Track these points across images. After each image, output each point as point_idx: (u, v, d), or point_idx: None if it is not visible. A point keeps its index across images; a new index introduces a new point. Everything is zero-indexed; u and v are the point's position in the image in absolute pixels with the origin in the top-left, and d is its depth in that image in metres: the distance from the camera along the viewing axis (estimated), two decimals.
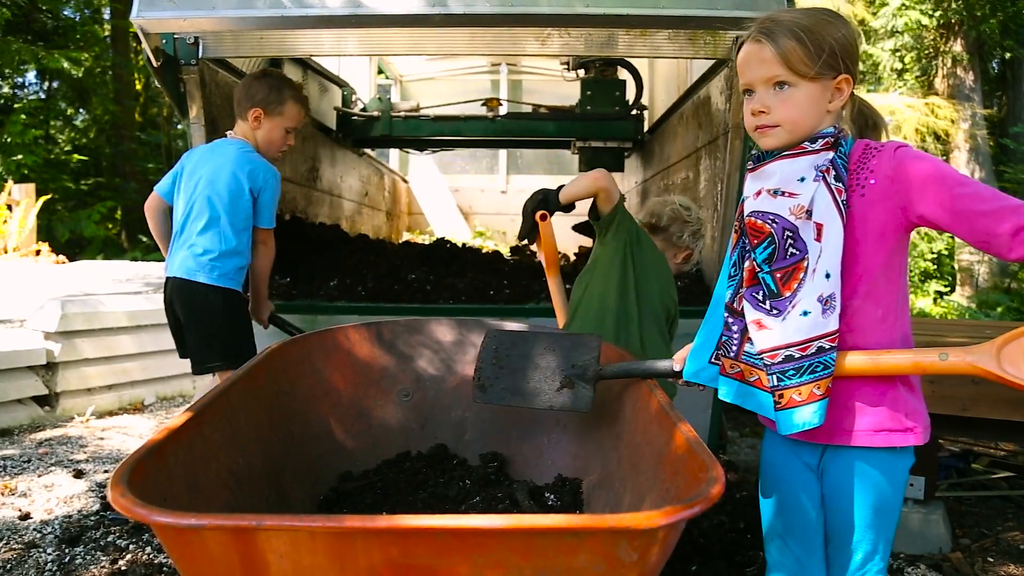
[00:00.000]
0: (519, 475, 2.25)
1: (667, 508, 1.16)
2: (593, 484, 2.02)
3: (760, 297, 1.65)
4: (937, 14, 12.84)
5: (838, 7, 13.95)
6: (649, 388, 1.84)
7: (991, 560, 2.99)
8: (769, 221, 1.63)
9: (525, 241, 2.67)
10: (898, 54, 13.99)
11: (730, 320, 1.72)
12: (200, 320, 2.87)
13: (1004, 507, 3.57)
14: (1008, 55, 14.47)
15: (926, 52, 13.81)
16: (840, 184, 1.59)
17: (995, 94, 16.92)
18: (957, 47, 13.42)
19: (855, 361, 1.59)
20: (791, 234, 1.60)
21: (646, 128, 5.42)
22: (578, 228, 6.47)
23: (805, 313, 1.59)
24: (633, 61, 5.22)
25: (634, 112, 5.29)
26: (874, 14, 13.89)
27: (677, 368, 1.86)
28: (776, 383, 1.62)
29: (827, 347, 1.59)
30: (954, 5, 12.78)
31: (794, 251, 1.60)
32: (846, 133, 1.64)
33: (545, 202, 2.57)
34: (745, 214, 1.70)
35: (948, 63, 13.53)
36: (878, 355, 1.60)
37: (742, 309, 1.68)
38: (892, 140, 1.67)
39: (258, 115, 2.94)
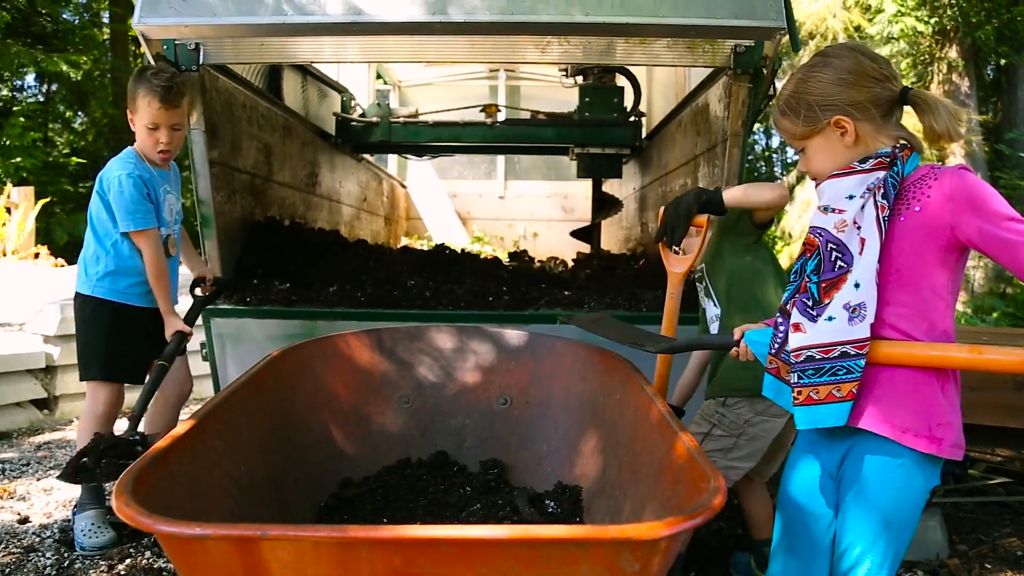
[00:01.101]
0: (519, 482, 2.26)
1: (669, 519, 1.17)
2: (593, 491, 2.03)
3: (808, 303, 1.72)
4: (932, 21, 12.88)
5: (834, 14, 14.01)
6: (650, 397, 1.85)
7: (988, 566, 3.00)
8: (817, 235, 1.74)
9: (672, 246, 2.38)
10: (894, 60, 14.01)
11: (779, 320, 1.79)
12: (76, 329, 2.96)
13: (1001, 513, 3.58)
14: (1003, 61, 14.50)
15: (921, 59, 13.84)
16: (885, 202, 1.65)
17: (990, 100, 16.96)
18: (952, 53, 13.46)
19: (888, 349, 1.64)
20: (835, 247, 1.70)
21: (644, 135, 5.44)
22: (576, 234, 6.48)
23: (830, 319, 1.67)
24: (631, 68, 5.24)
25: (632, 119, 5.30)
26: (870, 20, 13.93)
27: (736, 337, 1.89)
28: (796, 380, 1.69)
29: (852, 353, 1.64)
30: (949, 12, 12.82)
31: (841, 264, 1.68)
32: (906, 154, 1.69)
33: (709, 204, 2.28)
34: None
35: (943, 69, 13.56)
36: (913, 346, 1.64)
37: (791, 312, 1.76)
38: (959, 163, 1.72)
39: (131, 118, 2.89)
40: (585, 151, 5.44)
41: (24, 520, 3.16)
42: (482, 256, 4.75)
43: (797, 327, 1.71)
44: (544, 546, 1.15)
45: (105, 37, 18.07)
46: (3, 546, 2.91)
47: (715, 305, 2.45)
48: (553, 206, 8.75)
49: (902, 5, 12.98)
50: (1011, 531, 3.34)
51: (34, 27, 15.45)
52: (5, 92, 16.73)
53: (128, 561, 2.78)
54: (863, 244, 1.66)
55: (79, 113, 18.24)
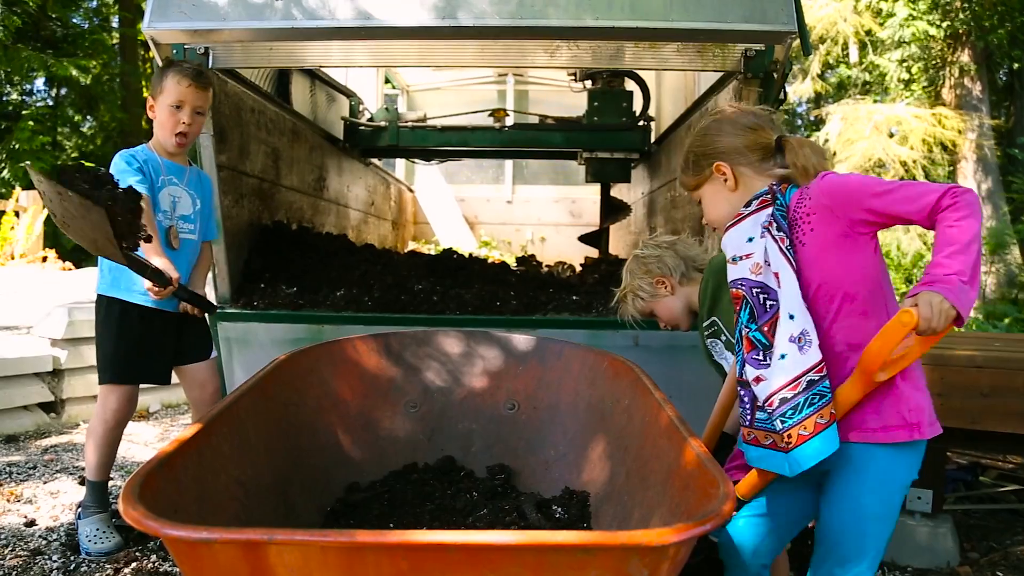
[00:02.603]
0: (526, 487, 2.25)
1: (679, 525, 1.16)
2: (601, 497, 2.02)
3: (759, 356, 1.79)
4: (944, 24, 12.84)
5: (845, 18, 13.99)
6: (659, 402, 1.84)
7: (1000, 574, 2.97)
8: (739, 286, 1.84)
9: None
10: (905, 64, 13.98)
11: (741, 392, 1.85)
12: (95, 331, 2.97)
13: (1013, 521, 3.55)
14: (1016, 65, 14.46)
15: (933, 63, 13.80)
16: (782, 233, 1.79)
17: (1003, 104, 16.91)
18: (964, 57, 13.41)
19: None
20: (759, 290, 1.80)
21: (653, 139, 5.42)
22: (584, 239, 6.46)
23: (783, 356, 1.75)
24: (640, 72, 5.23)
25: (641, 123, 5.29)
26: (881, 24, 13.90)
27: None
28: (781, 426, 1.73)
29: (816, 378, 1.72)
30: (962, 16, 12.78)
31: (771, 302, 1.78)
32: (784, 187, 1.85)
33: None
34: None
35: (955, 73, 13.52)
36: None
37: (746, 376, 1.82)
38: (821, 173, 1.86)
39: (151, 105, 2.90)
40: (594, 155, 5.42)
41: (31, 523, 3.16)
42: (490, 261, 4.74)
43: (758, 380, 1.77)
44: (552, 552, 1.14)
45: (114, 41, 18.18)
46: (10, 549, 2.91)
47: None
48: (561, 210, 8.74)
49: (914, 9, 12.94)
50: (1023, 539, 3.32)
51: (44, 31, 15.54)
52: (15, 96, 16.82)
53: (134, 565, 2.78)
54: (778, 278, 1.78)
55: (88, 117, 18.34)
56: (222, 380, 3.37)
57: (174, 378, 3.09)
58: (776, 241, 1.77)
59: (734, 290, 1.85)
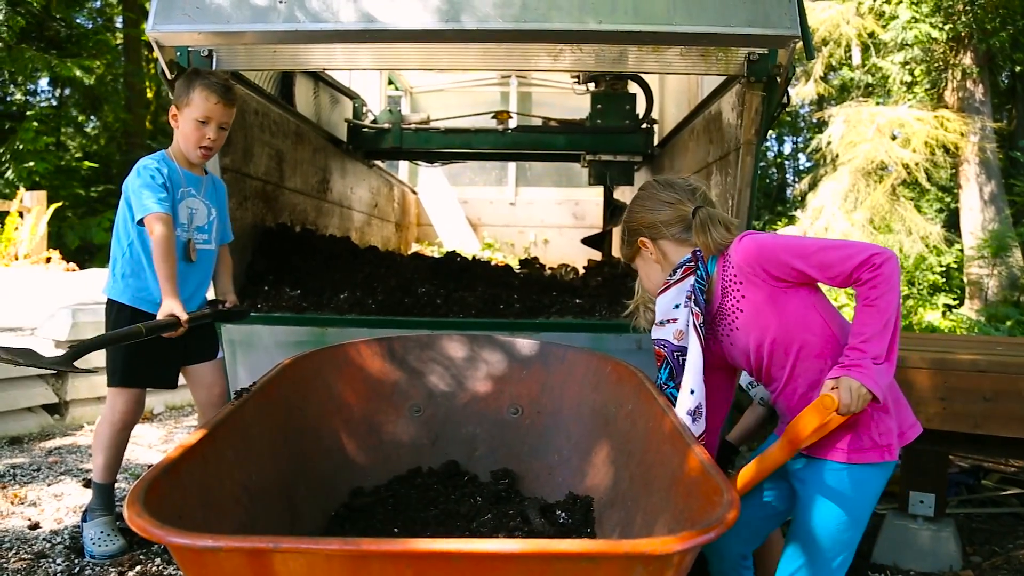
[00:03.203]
0: (530, 492, 2.25)
1: (683, 533, 1.16)
2: (604, 503, 2.02)
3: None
4: (947, 27, 12.82)
5: (847, 20, 13.97)
6: (662, 408, 1.84)
7: None
8: (661, 346, 2.00)
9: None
10: (908, 67, 13.96)
11: None
12: None
13: (1015, 524, 3.55)
14: (1018, 68, 14.46)
15: (936, 65, 13.77)
16: (698, 308, 1.90)
17: (1005, 107, 16.90)
18: (967, 60, 13.39)
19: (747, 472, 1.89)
20: (679, 353, 1.95)
21: (656, 142, 5.42)
22: (587, 241, 6.46)
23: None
24: (644, 75, 5.23)
25: (644, 126, 5.29)
26: (884, 27, 13.87)
27: None
28: None
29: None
30: (964, 18, 12.75)
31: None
32: (707, 256, 1.95)
33: None
34: None
35: (958, 76, 13.49)
36: (762, 458, 1.87)
37: None
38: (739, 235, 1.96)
39: (174, 113, 2.88)
40: (597, 158, 5.43)
41: (35, 526, 3.17)
42: (493, 263, 4.74)
43: None
44: (556, 560, 1.14)
45: (118, 42, 18.21)
46: (14, 552, 2.91)
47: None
48: (564, 213, 8.75)
49: (916, 11, 12.92)
50: None
51: (48, 32, 15.56)
52: (19, 96, 16.85)
53: (138, 568, 2.79)
54: (683, 353, 1.94)
55: (92, 117, 18.37)
56: (225, 382, 3.37)
57: (180, 380, 3.09)
58: (691, 315, 1.90)
59: (657, 348, 2.02)
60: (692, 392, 1.89)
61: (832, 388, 1.73)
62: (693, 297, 1.91)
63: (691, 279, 1.93)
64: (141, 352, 2.86)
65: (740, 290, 1.89)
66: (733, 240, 1.93)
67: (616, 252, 6.27)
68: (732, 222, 1.99)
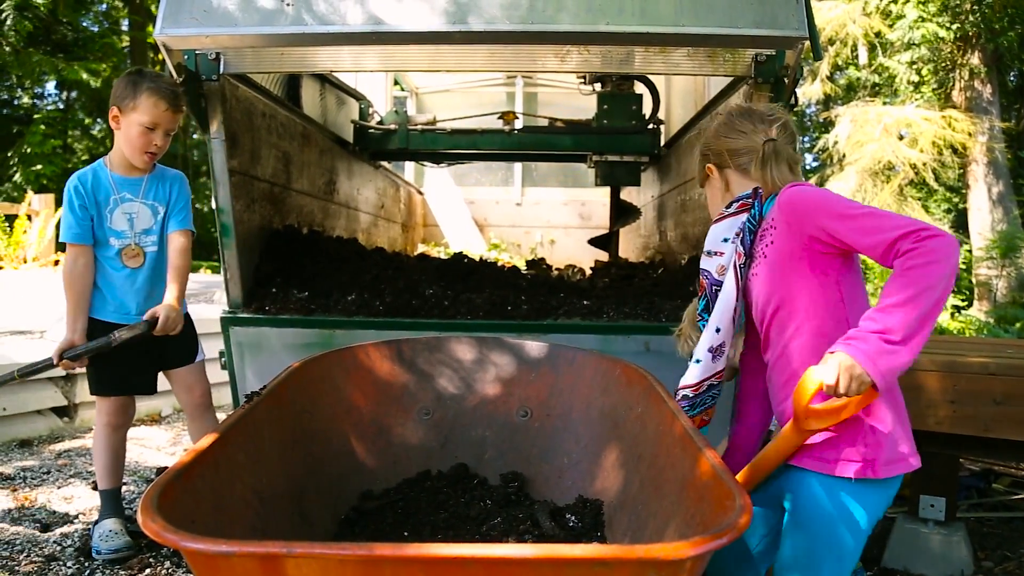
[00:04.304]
0: (539, 495, 2.24)
1: (696, 538, 1.16)
2: (615, 506, 2.02)
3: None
4: (955, 27, 12.79)
5: (854, 20, 13.94)
6: (672, 411, 1.84)
7: None
8: (705, 276, 1.96)
9: None
10: (915, 67, 13.93)
11: None
12: None
13: None
14: None
15: (943, 65, 13.74)
16: (743, 248, 1.84)
17: (1013, 107, 16.85)
18: (975, 60, 13.36)
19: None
20: (717, 288, 1.91)
21: (663, 142, 5.42)
22: (594, 242, 6.46)
23: (698, 361, 1.92)
24: (650, 76, 5.22)
25: (651, 126, 5.29)
26: (891, 26, 13.84)
27: None
28: None
29: (716, 383, 1.94)
30: (972, 18, 12.72)
31: None
32: (765, 195, 1.87)
33: None
34: None
35: (965, 76, 13.46)
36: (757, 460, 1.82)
37: None
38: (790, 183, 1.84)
39: (115, 115, 2.83)
40: (603, 158, 5.43)
41: (45, 528, 3.17)
42: (500, 264, 4.74)
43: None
44: (569, 565, 1.14)
45: (124, 45, 18.27)
46: (25, 554, 2.92)
47: None
48: (570, 213, 8.74)
49: (923, 11, 12.89)
50: None
51: (55, 35, 15.63)
52: (26, 100, 16.92)
53: (148, 571, 2.79)
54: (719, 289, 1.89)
55: (98, 120, 18.44)
56: (233, 385, 3.38)
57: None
58: (735, 254, 1.85)
59: (701, 278, 1.98)
60: (717, 330, 1.86)
61: (825, 362, 1.54)
62: (742, 236, 1.84)
63: (744, 216, 1.85)
64: (109, 362, 2.89)
65: (771, 236, 1.80)
66: (791, 180, 1.84)
67: (623, 252, 6.28)
68: (797, 161, 1.90)
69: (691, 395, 1.94)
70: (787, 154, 1.87)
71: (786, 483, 1.81)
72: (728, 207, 1.91)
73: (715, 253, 1.93)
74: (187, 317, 3.08)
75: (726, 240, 1.89)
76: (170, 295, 2.84)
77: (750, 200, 1.85)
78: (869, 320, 1.52)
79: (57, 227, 9.24)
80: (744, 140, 1.91)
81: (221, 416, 3.56)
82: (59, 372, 4.72)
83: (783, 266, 1.76)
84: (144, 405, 5.18)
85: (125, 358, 2.90)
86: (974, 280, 12.97)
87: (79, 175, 2.89)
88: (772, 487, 1.87)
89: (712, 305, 1.90)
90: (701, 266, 1.98)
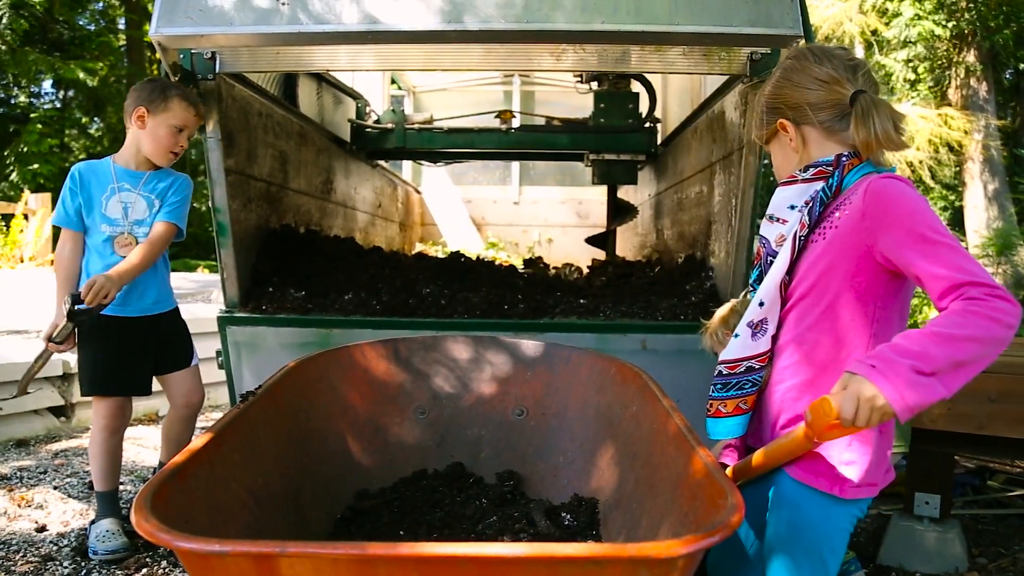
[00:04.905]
0: (535, 494, 2.25)
1: (687, 537, 1.16)
2: (610, 504, 2.02)
3: None
4: (951, 25, 12.80)
5: (850, 18, 13.94)
6: (667, 410, 1.84)
7: None
8: (763, 243, 1.78)
9: None
10: (911, 64, 13.94)
11: None
12: None
13: (1021, 526, 3.54)
14: (1022, 66, 14.42)
15: (939, 63, 13.76)
16: (808, 219, 1.63)
17: (1009, 105, 16.86)
18: (971, 58, 13.37)
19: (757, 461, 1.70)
20: (772, 259, 1.72)
21: (660, 141, 5.42)
22: (591, 241, 6.47)
23: (736, 335, 1.75)
24: (647, 74, 5.22)
25: (647, 125, 5.29)
26: (887, 24, 13.85)
27: None
28: (710, 394, 1.78)
29: (757, 367, 1.72)
30: (967, 16, 12.74)
31: None
32: (852, 163, 1.64)
33: None
34: None
35: (961, 74, 13.48)
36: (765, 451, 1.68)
37: None
38: (883, 170, 1.65)
39: (142, 115, 2.93)
40: (600, 157, 5.43)
41: (41, 528, 3.18)
42: (497, 263, 4.74)
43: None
44: (562, 564, 1.15)
45: (121, 44, 18.25)
46: (21, 555, 2.92)
47: None
48: (568, 212, 8.75)
49: (920, 9, 12.91)
50: None
51: (51, 34, 15.61)
52: (23, 99, 16.90)
53: (145, 571, 2.79)
54: (772, 260, 1.72)
55: (95, 119, 18.41)
56: (230, 384, 3.38)
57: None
58: (798, 224, 1.65)
59: (758, 245, 1.79)
60: (761, 304, 1.68)
61: (841, 388, 1.38)
62: (811, 206, 1.63)
63: (819, 184, 1.64)
64: (111, 361, 2.91)
65: (841, 216, 1.59)
66: (900, 142, 1.60)
67: (620, 251, 6.28)
68: (901, 117, 1.61)
69: (725, 372, 1.74)
70: (888, 107, 1.60)
71: (775, 486, 1.76)
72: (804, 171, 1.69)
73: (778, 220, 1.72)
74: (181, 320, 3.10)
75: (793, 207, 1.69)
76: (114, 268, 2.80)
77: (830, 168, 1.64)
78: (900, 342, 1.36)
79: (53, 227, 9.24)
80: (826, 92, 1.65)
81: (218, 415, 3.56)
82: (57, 372, 4.74)
83: (835, 255, 1.58)
84: (141, 405, 5.18)
85: (121, 358, 2.92)
86: (1006, 289, 12.98)
87: (82, 163, 2.99)
88: (760, 489, 1.81)
89: (764, 276, 1.72)
90: (760, 232, 1.78)
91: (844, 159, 1.64)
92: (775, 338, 1.72)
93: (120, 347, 2.92)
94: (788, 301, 1.70)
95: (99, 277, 2.71)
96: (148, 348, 2.97)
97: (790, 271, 1.68)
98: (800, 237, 1.63)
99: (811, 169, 1.68)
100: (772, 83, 1.76)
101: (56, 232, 9.62)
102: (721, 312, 2.03)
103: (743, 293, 1.95)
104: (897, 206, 1.50)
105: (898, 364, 1.31)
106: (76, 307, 2.68)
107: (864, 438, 1.61)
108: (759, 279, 1.76)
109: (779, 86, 1.73)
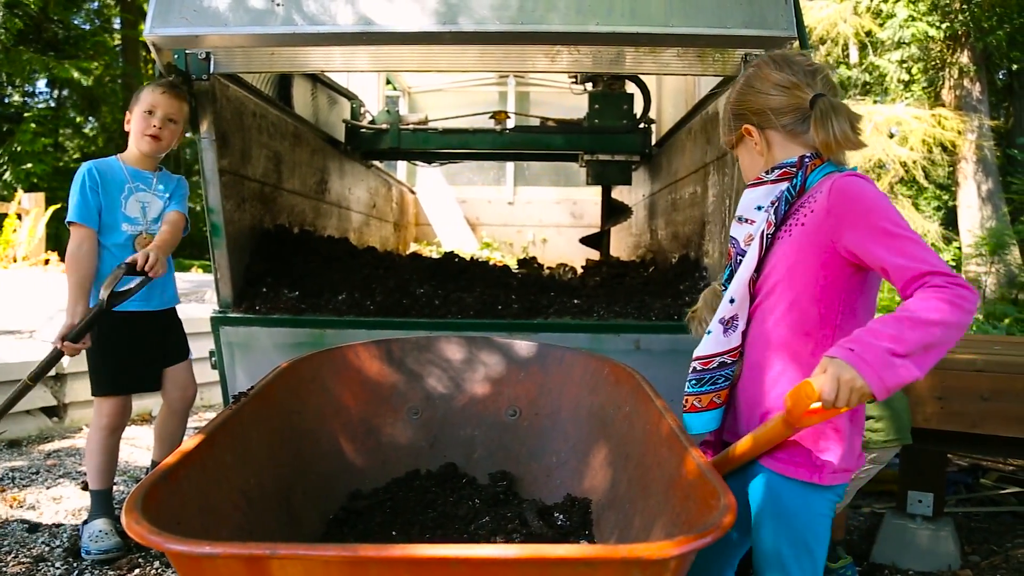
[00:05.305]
0: (528, 494, 2.25)
1: (680, 538, 1.16)
2: (603, 505, 2.02)
3: None
4: (944, 26, 12.84)
5: (844, 19, 13.97)
6: (659, 410, 1.84)
7: None
8: (733, 244, 1.84)
9: None
10: (905, 65, 13.98)
11: None
12: None
13: (1014, 523, 3.55)
14: (1015, 66, 14.48)
15: (933, 63, 13.80)
16: (774, 218, 1.71)
17: (1002, 105, 16.92)
18: (964, 58, 13.41)
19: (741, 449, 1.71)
20: (741, 259, 1.77)
21: (654, 142, 5.43)
22: (585, 241, 6.47)
23: (709, 332, 1.81)
24: (641, 75, 5.23)
25: (642, 126, 5.30)
26: (881, 25, 13.89)
27: None
28: (685, 389, 1.84)
29: (729, 362, 1.79)
30: (961, 17, 12.78)
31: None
32: (815, 164, 1.71)
33: None
34: None
35: (955, 74, 13.52)
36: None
37: None
38: (845, 169, 1.71)
39: (128, 118, 3.05)
40: (595, 158, 5.43)
41: (33, 529, 3.17)
42: (491, 263, 4.74)
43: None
44: (554, 565, 1.15)
45: (116, 43, 18.21)
46: (13, 555, 2.91)
47: None
48: (562, 212, 8.75)
49: (913, 10, 12.95)
50: None
51: (46, 33, 15.57)
52: (17, 98, 16.85)
53: (137, 571, 2.79)
54: (741, 260, 1.77)
55: (90, 119, 18.37)
56: (224, 384, 3.37)
57: None
58: (765, 224, 1.71)
59: (729, 246, 1.87)
60: (731, 301, 1.74)
61: (821, 371, 1.46)
62: (776, 206, 1.69)
63: (784, 185, 1.70)
64: (124, 359, 2.92)
65: (806, 214, 1.65)
66: (858, 142, 1.66)
67: (614, 251, 6.28)
68: (858, 118, 1.67)
69: (699, 368, 1.81)
70: (845, 109, 1.66)
71: (755, 478, 1.77)
72: (769, 172, 1.76)
73: (746, 220, 1.79)
74: (177, 314, 3.12)
75: (759, 208, 1.75)
76: (152, 244, 2.87)
77: (794, 169, 1.70)
78: (872, 331, 1.44)
79: (47, 227, 9.22)
80: (786, 96, 1.72)
81: (211, 415, 3.55)
82: (50, 372, 4.72)
83: (801, 251, 1.65)
84: (135, 404, 5.15)
85: (137, 353, 2.97)
86: (963, 277, 13.01)
87: (93, 162, 3.02)
88: (736, 484, 1.80)
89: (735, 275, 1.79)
90: (731, 233, 1.85)
91: (807, 160, 1.71)
92: (745, 334, 1.79)
93: (136, 345, 2.96)
94: (756, 297, 1.76)
95: (147, 250, 2.76)
96: (156, 343, 3.02)
97: (758, 268, 1.74)
98: (767, 236, 1.71)
99: (776, 171, 1.75)
100: (736, 90, 1.83)
101: (50, 231, 9.60)
102: (705, 295, 2.06)
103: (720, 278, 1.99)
104: (860, 203, 1.58)
105: (874, 347, 1.41)
106: (120, 285, 2.70)
107: (837, 426, 1.67)
108: (730, 278, 1.82)
109: (743, 93, 1.80)
